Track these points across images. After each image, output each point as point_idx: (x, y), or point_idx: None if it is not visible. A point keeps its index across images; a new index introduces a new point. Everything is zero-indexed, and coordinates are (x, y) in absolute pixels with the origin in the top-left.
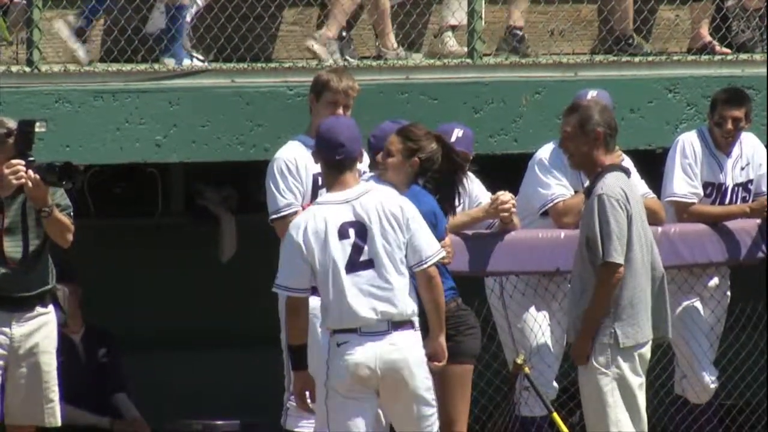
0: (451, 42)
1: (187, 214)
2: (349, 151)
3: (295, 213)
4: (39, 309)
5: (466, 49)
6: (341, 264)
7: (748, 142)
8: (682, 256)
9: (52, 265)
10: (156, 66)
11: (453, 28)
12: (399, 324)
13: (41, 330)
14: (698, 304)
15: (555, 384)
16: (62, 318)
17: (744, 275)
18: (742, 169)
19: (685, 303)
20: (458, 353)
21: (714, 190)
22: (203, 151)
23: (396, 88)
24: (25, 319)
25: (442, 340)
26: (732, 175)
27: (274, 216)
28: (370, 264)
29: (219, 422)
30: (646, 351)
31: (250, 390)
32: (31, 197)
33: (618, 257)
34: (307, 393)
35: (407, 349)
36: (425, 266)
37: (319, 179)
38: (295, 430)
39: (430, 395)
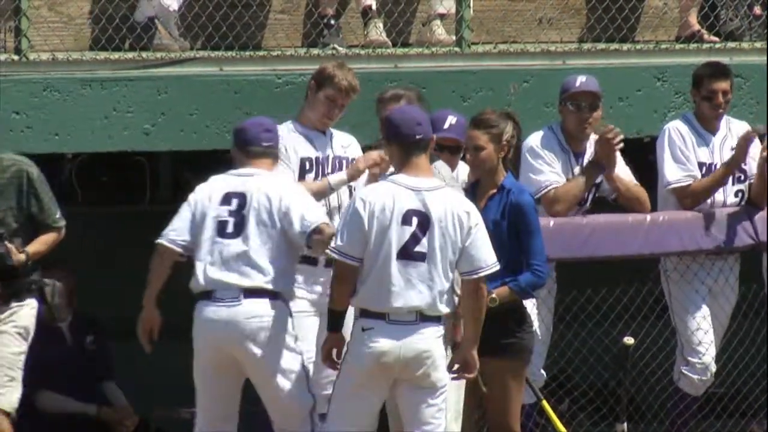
0: (440, 30)
1: (175, 202)
2: (426, 131)
3: None
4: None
5: (454, 38)
6: (395, 248)
7: (739, 127)
8: (671, 243)
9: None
10: (144, 54)
11: (441, 16)
12: (428, 317)
13: (12, 315)
14: (704, 293)
15: (543, 372)
16: (44, 311)
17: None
18: (732, 149)
19: (689, 289)
20: (520, 349)
21: (705, 169)
22: (191, 139)
23: (384, 77)
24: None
25: (475, 352)
26: (720, 154)
27: None
28: (422, 257)
29: None
30: None
31: None
32: None
33: None
34: (334, 351)
35: (434, 341)
36: (477, 276)
37: (307, 163)
38: None
39: (445, 392)
